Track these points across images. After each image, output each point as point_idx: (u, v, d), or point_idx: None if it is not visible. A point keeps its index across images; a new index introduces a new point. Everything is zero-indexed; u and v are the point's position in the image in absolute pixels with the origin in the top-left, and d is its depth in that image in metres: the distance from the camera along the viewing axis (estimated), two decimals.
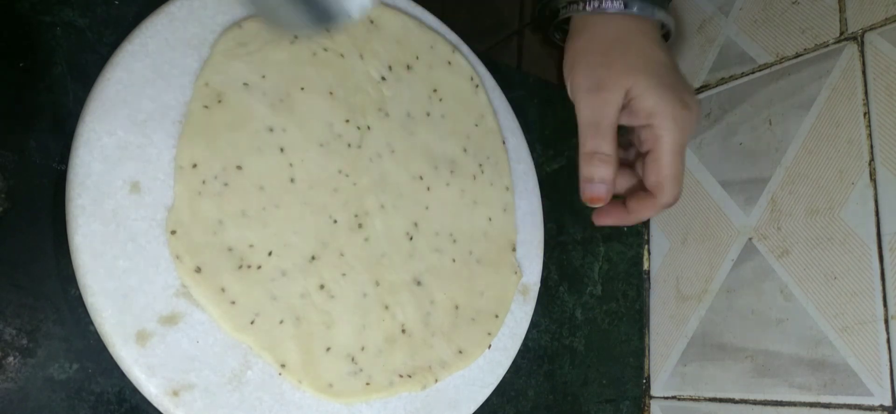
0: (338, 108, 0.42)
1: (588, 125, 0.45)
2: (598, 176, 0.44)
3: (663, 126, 0.44)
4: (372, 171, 0.43)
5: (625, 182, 0.48)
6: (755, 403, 0.50)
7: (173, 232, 0.36)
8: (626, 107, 0.45)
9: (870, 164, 0.46)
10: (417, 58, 0.47)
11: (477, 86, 0.49)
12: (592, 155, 0.44)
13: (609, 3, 0.45)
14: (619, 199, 0.47)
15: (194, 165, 0.37)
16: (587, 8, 0.46)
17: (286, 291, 0.38)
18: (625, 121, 0.46)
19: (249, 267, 0.38)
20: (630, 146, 0.49)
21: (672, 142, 0.44)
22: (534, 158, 0.52)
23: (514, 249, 0.48)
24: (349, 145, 0.42)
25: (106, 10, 0.39)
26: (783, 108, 0.53)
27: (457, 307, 0.44)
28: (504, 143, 0.50)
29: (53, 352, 0.35)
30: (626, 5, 0.45)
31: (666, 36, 0.51)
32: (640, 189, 0.47)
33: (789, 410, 0.48)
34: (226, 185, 0.38)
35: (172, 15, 0.38)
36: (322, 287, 0.40)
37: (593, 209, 0.49)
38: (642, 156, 0.46)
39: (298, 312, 0.39)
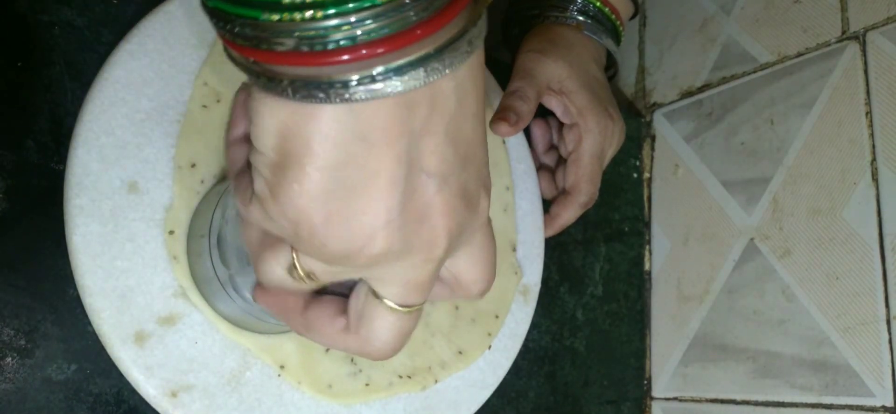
0: None
1: (520, 71, 0.48)
2: (512, 108, 0.46)
3: (587, 127, 0.48)
4: None
5: (549, 189, 0.52)
6: (757, 404, 0.49)
7: (172, 232, 0.36)
8: (558, 95, 0.48)
9: (872, 164, 0.46)
10: None
11: None
12: (514, 92, 0.47)
13: (563, 17, 0.51)
14: (545, 213, 0.51)
15: (193, 165, 0.37)
16: (547, 20, 0.52)
17: None
18: (556, 110, 0.49)
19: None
20: (553, 149, 0.53)
21: (593, 144, 0.48)
22: (534, 160, 0.52)
23: (514, 250, 0.48)
24: None
25: (104, 9, 0.39)
26: (785, 108, 0.52)
27: (457, 308, 0.44)
28: (504, 142, 0.50)
29: (51, 352, 0.35)
30: (578, 22, 0.51)
31: (612, 76, 0.56)
32: (561, 194, 0.50)
33: (791, 411, 0.47)
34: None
35: (171, 14, 0.38)
36: None
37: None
38: (564, 162, 0.50)
39: None
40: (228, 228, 0.33)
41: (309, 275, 0.24)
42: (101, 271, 0.34)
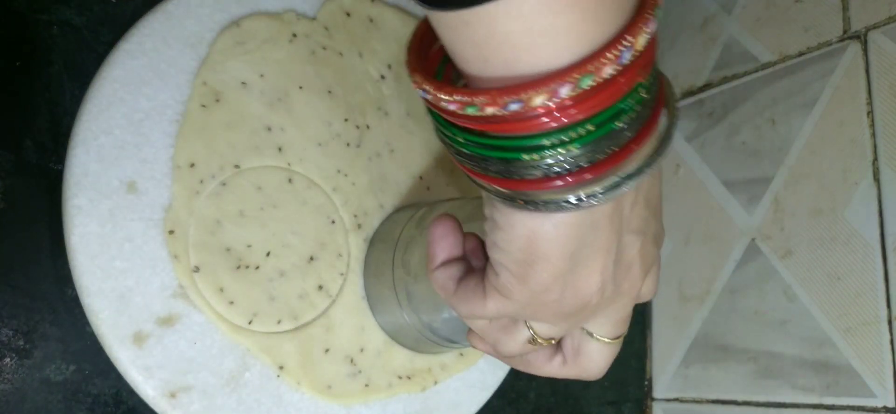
0: (336, 108, 0.42)
1: None
2: None
3: None
4: (371, 170, 0.43)
5: None
6: (758, 404, 0.49)
7: (171, 232, 0.36)
8: None
9: (873, 164, 0.46)
10: None
11: None
12: None
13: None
14: None
15: (192, 165, 0.37)
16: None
17: (284, 291, 0.38)
18: None
19: (248, 267, 0.37)
20: None
21: None
22: None
23: None
24: (348, 145, 0.42)
25: (103, 8, 0.38)
26: (786, 108, 0.52)
27: None
28: None
29: (50, 353, 0.35)
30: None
31: None
32: None
33: (792, 412, 0.47)
34: (223, 184, 0.37)
35: (170, 13, 0.38)
36: (321, 288, 0.39)
37: None
38: None
39: (297, 313, 0.38)
40: (418, 286, 0.36)
41: (548, 339, 0.29)
42: (100, 272, 0.34)
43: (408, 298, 0.37)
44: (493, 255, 0.27)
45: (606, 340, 0.29)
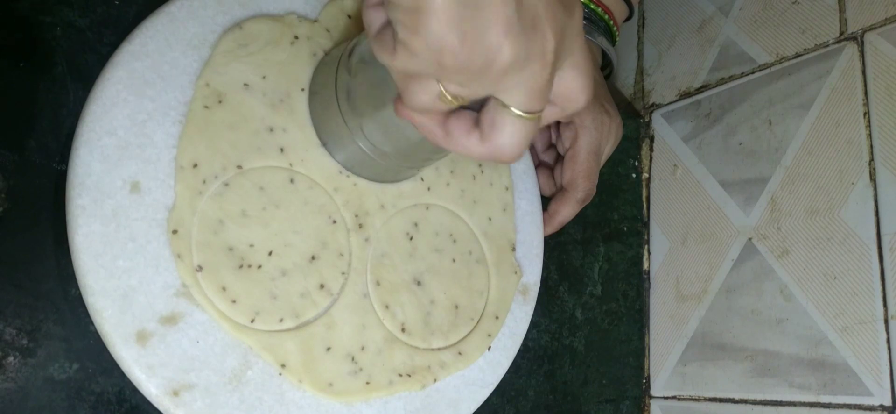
0: None
1: None
2: None
3: (583, 124, 0.48)
4: None
5: (548, 186, 0.52)
6: (755, 402, 0.50)
7: (175, 231, 0.36)
8: None
9: (870, 164, 0.46)
10: None
11: None
12: None
13: None
14: (544, 211, 0.51)
15: (195, 165, 0.37)
16: None
17: (286, 290, 0.38)
18: None
19: (250, 266, 0.38)
20: (552, 147, 0.53)
21: (589, 140, 0.48)
22: (533, 158, 0.52)
23: (513, 249, 0.48)
24: None
25: (106, 10, 0.39)
26: (783, 109, 0.53)
27: (456, 307, 0.44)
28: None
29: (54, 352, 0.35)
30: None
31: (608, 75, 0.57)
32: (559, 191, 0.51)
33: (789, 410, 0.48)
34: (226, 185, 0.38)
35: (172, 15, 0.38)
36: (322, 287, 0.40)
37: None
38: (562, 159, 0.50)
39: (299, 312, 0.39)
40: (357, 81, 0.36)
41: (455, 97, 0.28)
42: (103, 271, 0.34)
43: (347, 98, 0.38)
44: (390, 11, 0.27)
45: (519, 112, 0.29)
